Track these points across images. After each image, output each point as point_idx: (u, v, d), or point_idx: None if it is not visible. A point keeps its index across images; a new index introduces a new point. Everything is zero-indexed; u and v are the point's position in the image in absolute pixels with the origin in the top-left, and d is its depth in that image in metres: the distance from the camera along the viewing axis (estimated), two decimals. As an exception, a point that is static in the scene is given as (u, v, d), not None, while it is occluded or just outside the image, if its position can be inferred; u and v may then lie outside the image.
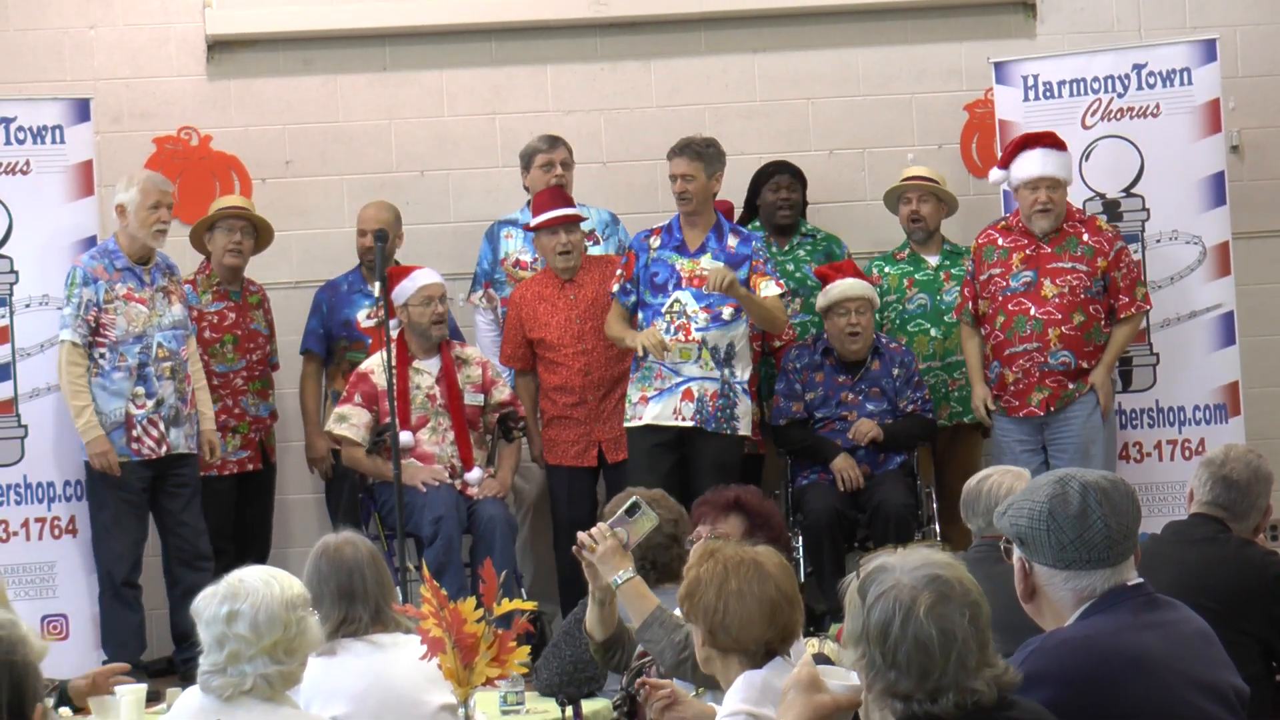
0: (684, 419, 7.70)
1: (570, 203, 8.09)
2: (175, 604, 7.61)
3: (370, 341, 8.17)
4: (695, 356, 7.72)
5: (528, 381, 8.16)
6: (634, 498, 4.77)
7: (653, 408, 7.72)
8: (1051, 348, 7.72)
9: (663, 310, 7.77)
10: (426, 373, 7.86)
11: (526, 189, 8.41)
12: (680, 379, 7.71)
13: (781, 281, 7.99)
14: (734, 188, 8.41)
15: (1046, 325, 7.72)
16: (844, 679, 3.31)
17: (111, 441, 7.53)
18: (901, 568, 2.99)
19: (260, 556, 7.89)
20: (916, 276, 8.51)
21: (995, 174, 8.01)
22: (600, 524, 4.70)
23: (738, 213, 8.54)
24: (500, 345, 8.26)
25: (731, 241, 7.88)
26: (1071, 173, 7.86)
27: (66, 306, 7.58)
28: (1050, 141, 7.78)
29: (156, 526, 7.77)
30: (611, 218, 8.49)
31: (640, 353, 7.68)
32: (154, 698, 6.91)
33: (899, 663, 2.94)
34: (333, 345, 8.35)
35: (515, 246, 8.42)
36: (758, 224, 8.58)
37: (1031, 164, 7.74)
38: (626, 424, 7.81)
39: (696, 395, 7.70)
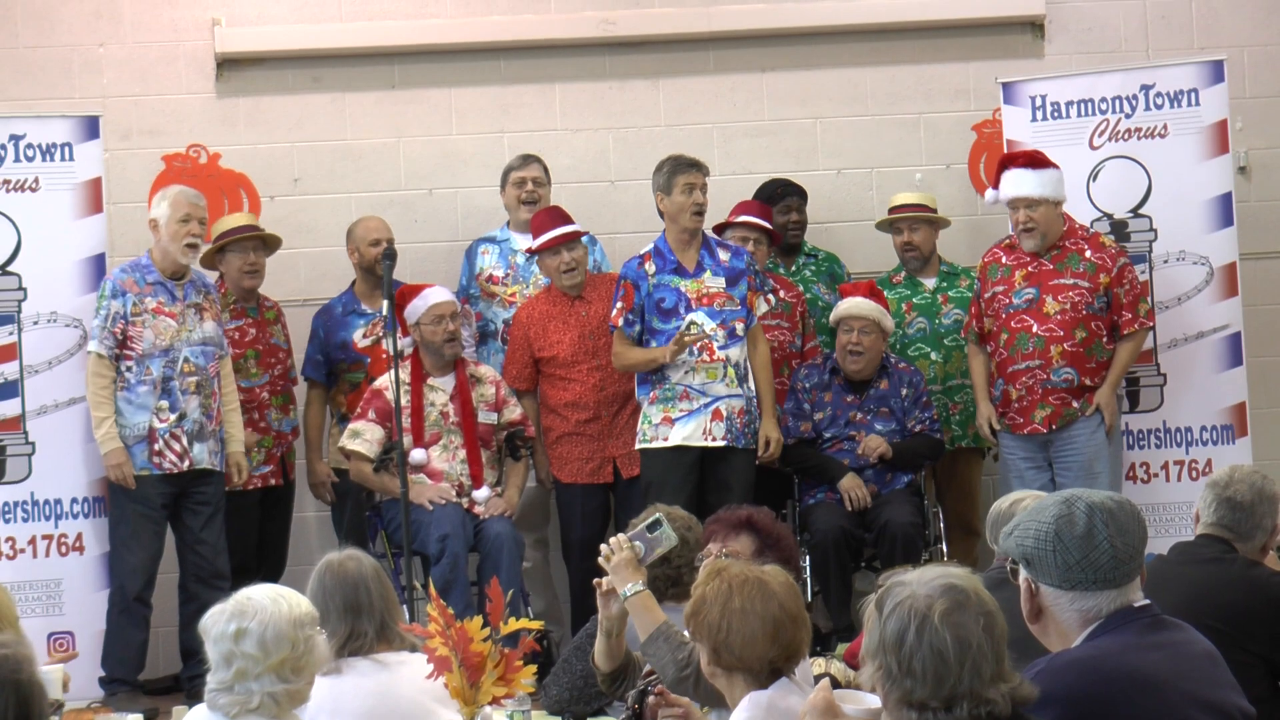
0: (714, 439, 7.69)
1: (569, 219, 8.08)
2: (187, 620, 7.55)
3: (369, 361, 8.17)
4: (721, 375, 7.71)
5: (529, 402, 8.13)
6: (657, 514, 4.78)
7: (680, 429, 7.70)
8: (1054, 364, 7.69)
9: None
10: (441, 390, 7.85)
11: (508, 209, 8.45)
12: (709, 399, 7.69)
13: (770, 298, 8.01)
14: (731, 206, 8.39)
15: (1049, 342, 7.70)
16: (860, 703, 3.31)
17: (133, 455, 7.54)
18: (918, 580, 3.03)
19: (275, 573, 7.88)
20: (914, 300, 8.51)
21: (989, 195, 8.00)
22: (620, 535, 4.73)
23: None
24: (476, 356, 8.24)
25: (724, 256, 7.87)
26: (1058, 189, 7.74)
27: (95, 319, 7.61)
28: (1026, 161, 7.74)
29: (175, 543, 7.74)
30: (589, 237, 8.42)
31: (673, 357, 7.62)
32: (153, 715, 6.92)
33: (914, 670, 2.95)
34: (333, 369, 8.34)
35: (489, 263, 8.43)
36: None
37: (1008, 185, 7.73)
38: (646, 445, 7.75)
39: (725, 414, 7.70)
